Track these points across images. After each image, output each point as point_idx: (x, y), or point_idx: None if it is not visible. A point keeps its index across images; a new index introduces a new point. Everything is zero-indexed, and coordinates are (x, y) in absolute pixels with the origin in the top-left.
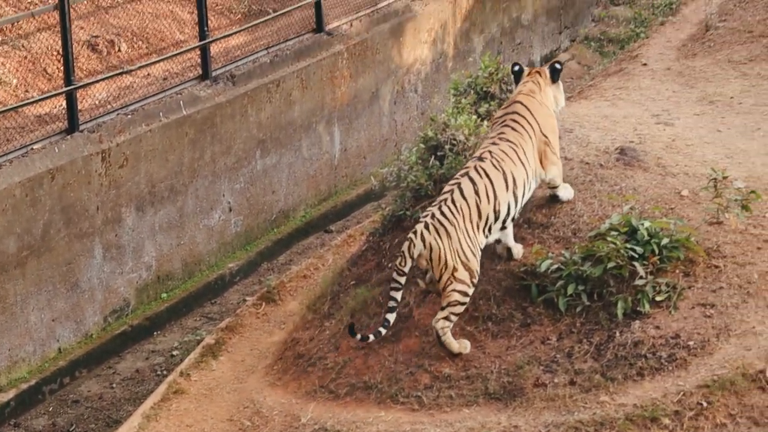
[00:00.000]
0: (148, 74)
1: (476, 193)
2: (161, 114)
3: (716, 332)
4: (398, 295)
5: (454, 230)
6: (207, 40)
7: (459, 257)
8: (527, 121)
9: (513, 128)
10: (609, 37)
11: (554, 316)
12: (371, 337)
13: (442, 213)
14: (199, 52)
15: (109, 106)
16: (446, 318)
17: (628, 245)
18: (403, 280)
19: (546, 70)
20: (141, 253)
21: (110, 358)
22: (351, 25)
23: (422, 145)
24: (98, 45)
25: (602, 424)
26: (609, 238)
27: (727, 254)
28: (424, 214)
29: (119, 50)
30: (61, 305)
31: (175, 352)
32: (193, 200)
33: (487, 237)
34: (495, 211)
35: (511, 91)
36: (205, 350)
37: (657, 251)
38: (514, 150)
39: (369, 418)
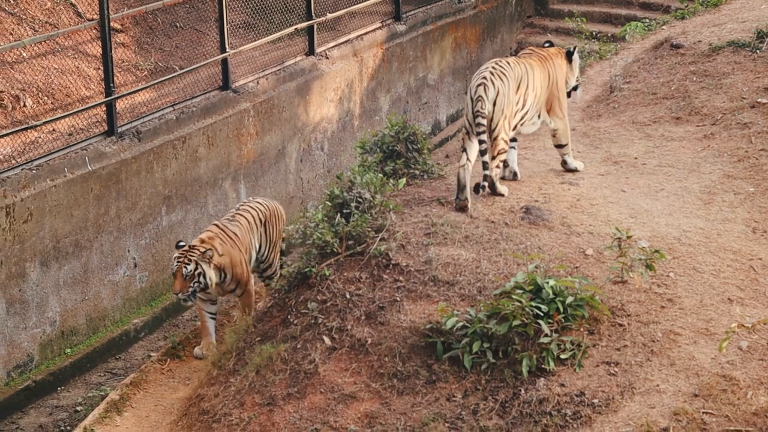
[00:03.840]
0: (54, 130)
1: (516, 71)
2: (66, 169)
3: (620, 390)
4: (486, 138)
5: (510, 81)
6: (113, 96)
7: (510, 110)
8: (549, 63)
9: (537, 60)
10: None
11: (460, 373)
12: (480, 191)
13: (500, 66)
14: (104, 108)
15: (13, 161)
16: (497, 166)
17: (533, 303)
18: (485, 122)
19: (563, 51)
20: (45, 308)
21: (13, 413)
22: (258, 82)
23: (328, 203)
24: (3, 100)
25: None
26: (514, 296)
27: (631, 313)
28: (483, 67)
29: (24, 105)
30: None
31: (78, 408)
32: (98, 256)
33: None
34: (523, 99)
35: (417, 150)
36: (109, 406)
37: (562, 309)
38: (534, 68)
39: None
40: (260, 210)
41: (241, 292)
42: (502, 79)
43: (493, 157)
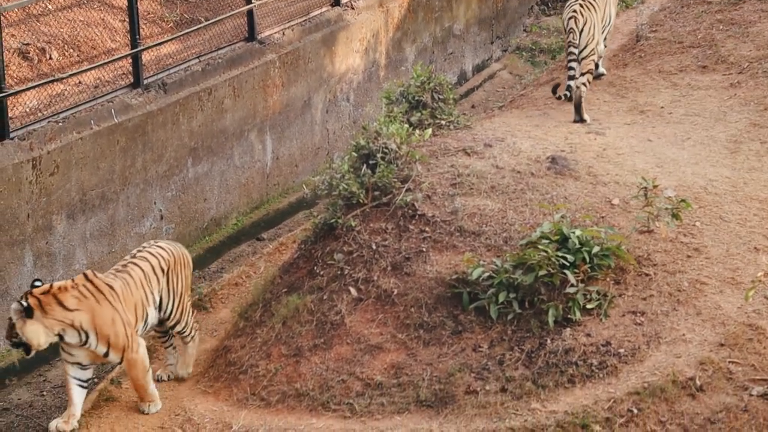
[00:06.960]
0: (80, 82)
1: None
2: (92, 122)
3: (647, 340)
4: (575, 65)
5: (597, 8)
6: (138, 48)
7: (599, 33)
8: None
9: None
10: (540, 47)
11: (485, 323)
12: (562, 97)
13: None
14: (130, 60)
15: (39, 114)
16: (584, 83)
17: (560, 253)
18: (576, 51)
19: None
20: (72, 261)
21: (41, 365)
22: (283, 33)
23: (354, 154)
24: (29, 53)
25: (533, 431)
26: (540, 246)
27: (657, 262)
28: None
29: (50, 58)
30: None
31: None
32: (124, 208)
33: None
34: (602, 22)
35: (443, 100)
36: None
37: (588, 259)
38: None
39: (300, 426)
40: (162, 257)
41: (118, 359)
42: (590, 9)
43: (582, 74)
